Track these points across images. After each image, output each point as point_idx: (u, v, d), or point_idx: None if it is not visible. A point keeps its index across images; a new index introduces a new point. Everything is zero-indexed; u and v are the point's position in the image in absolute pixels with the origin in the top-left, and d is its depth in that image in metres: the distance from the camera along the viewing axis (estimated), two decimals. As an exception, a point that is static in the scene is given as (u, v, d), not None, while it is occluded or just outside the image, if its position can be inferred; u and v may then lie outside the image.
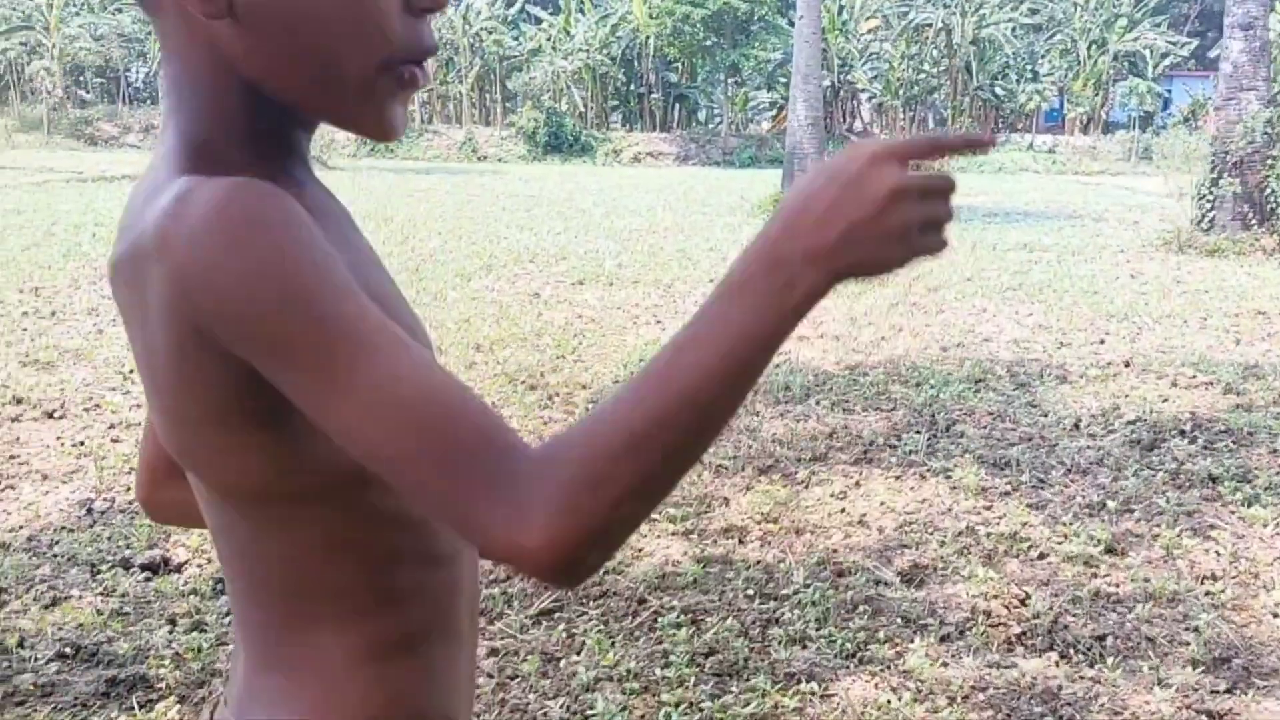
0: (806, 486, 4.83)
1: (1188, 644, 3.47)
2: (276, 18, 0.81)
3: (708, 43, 41.12)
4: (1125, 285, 10.84)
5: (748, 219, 17.12)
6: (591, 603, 3.67)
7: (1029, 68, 43.34)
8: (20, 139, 42.46)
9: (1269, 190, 13.75)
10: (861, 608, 3.61)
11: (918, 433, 5.66)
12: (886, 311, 9.13)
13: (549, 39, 44.29)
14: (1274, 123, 14.11)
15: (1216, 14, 39.22)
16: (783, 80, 40.12)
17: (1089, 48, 42.51)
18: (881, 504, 4.64)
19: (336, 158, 35.02)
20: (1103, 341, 8.14)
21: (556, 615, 3.60)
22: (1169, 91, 44.73)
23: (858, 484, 4.88)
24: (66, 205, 17.37)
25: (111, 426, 5.71)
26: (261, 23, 0.81)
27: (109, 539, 4.25)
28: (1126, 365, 7.37)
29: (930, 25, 41.35)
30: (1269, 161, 13.82)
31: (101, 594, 3.78)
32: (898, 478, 4.99)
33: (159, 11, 0.84)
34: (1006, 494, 4.83)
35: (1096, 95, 42.84)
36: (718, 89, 45.21)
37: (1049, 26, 44.17)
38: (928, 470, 5.09)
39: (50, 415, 5.90)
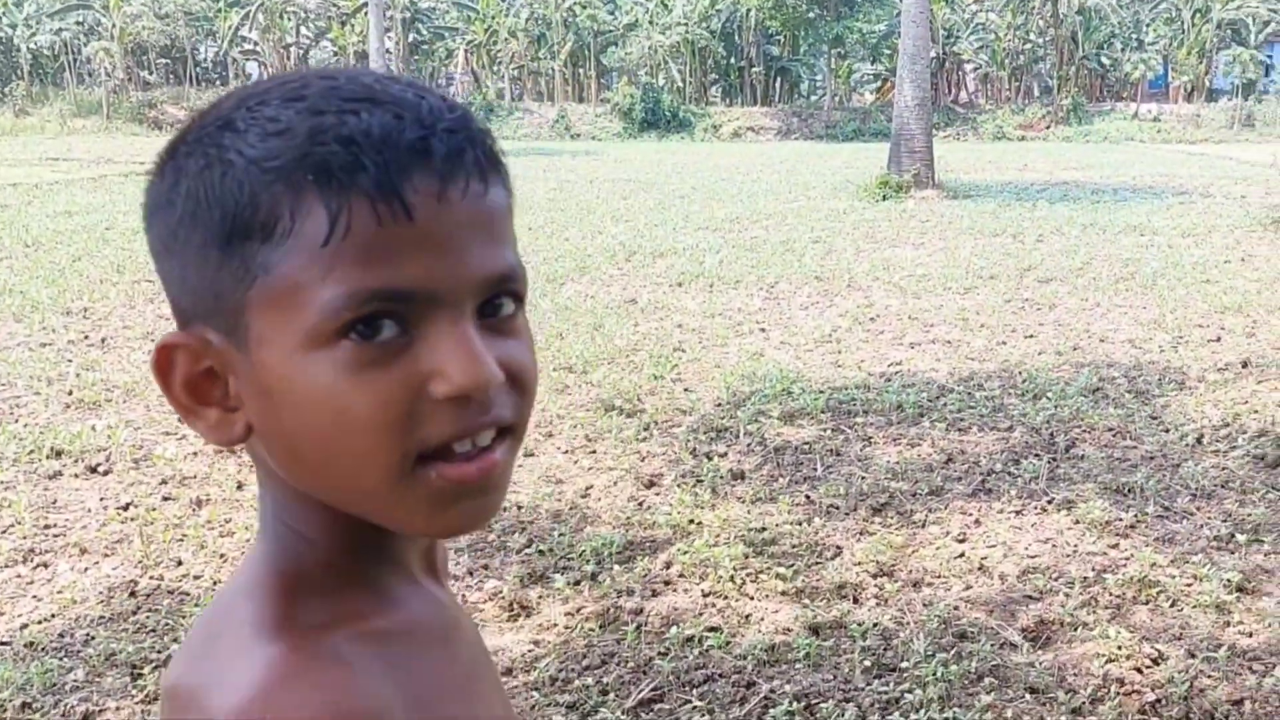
0: (923, 526, 4.48)
1: (1335, 716, 3.10)
2: (282, 435, 0.68)
3: (810, 15, 40.10)
4: (1238, 272, 10.16)
5: (853, 203, 16.53)
6: (694, 690, 3.28)
7: (1134, 36, 41.49)
8: (77, 124, 40.05)
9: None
10: (987, 679, 3.28)
11: (1037, 456, 5.26)
12: (999, 310, 8.66)
13: (646, 13, 43.05)
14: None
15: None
16: (887, 52, 38.99)
17: (1193, 16, 40.43)
18: (1003, 546, 4.28)
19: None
20: (1219, 339, 7.58)
21: (657, 706, 3.22)
22: (1270, 58, 42.45)
23: (977, 522, 4.52)
24: (124, 205, 15.74)
25: (163, 482, 4.93)
26: (275, 442, 0.69)
27: (153, 631, 3.60)
28: (1245, 366, 6.84)
29: (1038, -6, 39.82)
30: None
31: (143, 702, 3.18)
32: (1018, 512, 4.63)
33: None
34: (1132, 527, 4.44)
35: (1200, 63, 40.80)
36: (820, 61, 44.12)
37: (1153, -6, 42.20)
38: (1049, 502, 4.71)
39: (94, 470, 5.09)
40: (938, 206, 15.93)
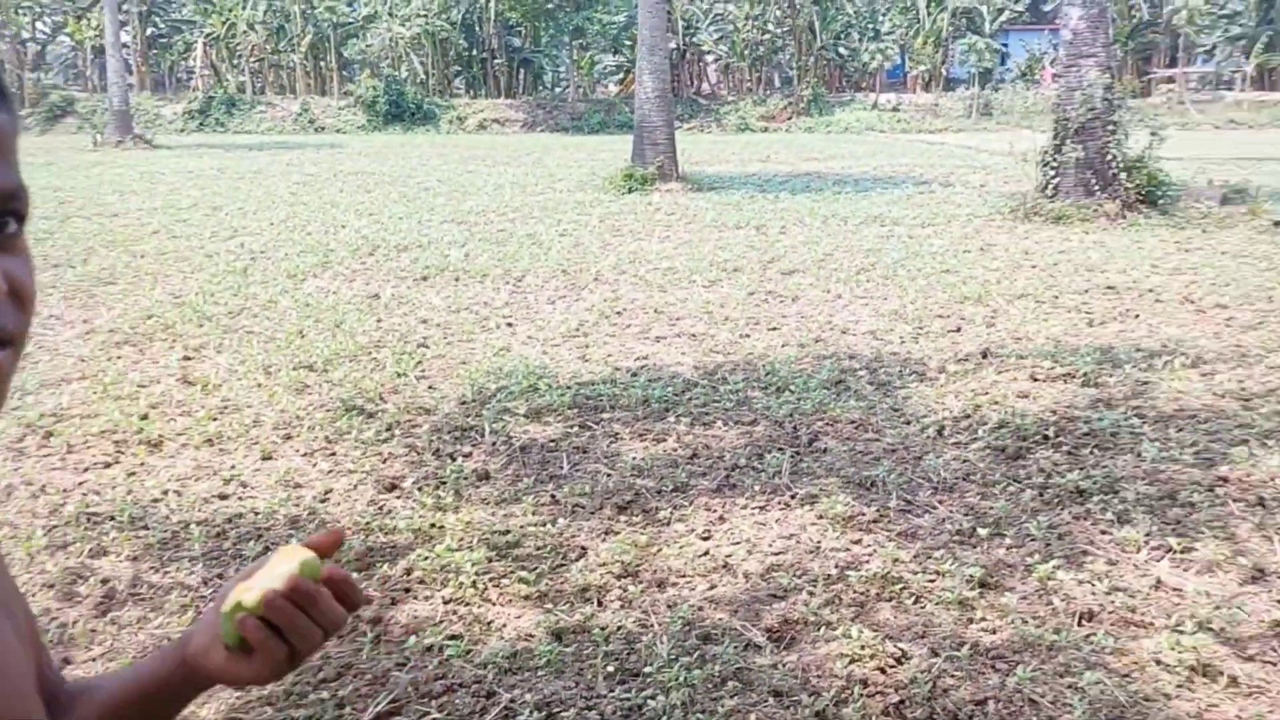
0: (668, 524, 4.54)
1: (1071, 706, 3.29)
2: None
3: (550, 5, 40.48)
4: (977, 261, 10.84)
5: (599, 196, 16.75)
6: (434, 701, 3.27)
7: (871, 26, 43.85)
8: None
9: (1110, 156, 13.98)
10: (731, 683, 3.33)
11: (781, 450, 5.42)
12: (743, 302, 8.91)
13: (385, 4, 43.22)
14: (1113, 89, 14.35)
15: (1050, -28, 40.20)
16: (628, 43, 39.80)
17: (928, 5, 43.15)
18: (748, 543, 4.38)
19: (161, 135, 33.49)
20: (959, 329, 8.05)
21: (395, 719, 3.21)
22: (1005, 46, 45.85)
23: (722, 519, 4.62)
24: None
25: None
26: None
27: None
28: (984, 356, 7.27)
29: (773, -16, 41.42)
30: (1109, 127, 14.05)
31: None
32: (762, 508, 4.74)
33: None
34: (875, 522, 4.62)
35: (937, 53, 43.56)
36: (563, 53, 44.66)
37: (889, -15, 44.81)
38: (793, 497, 4.85)
39: None
40: (683, 199, 16.32)
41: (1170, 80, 44.09)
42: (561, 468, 5.23)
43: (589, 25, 40.40)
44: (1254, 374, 6.85)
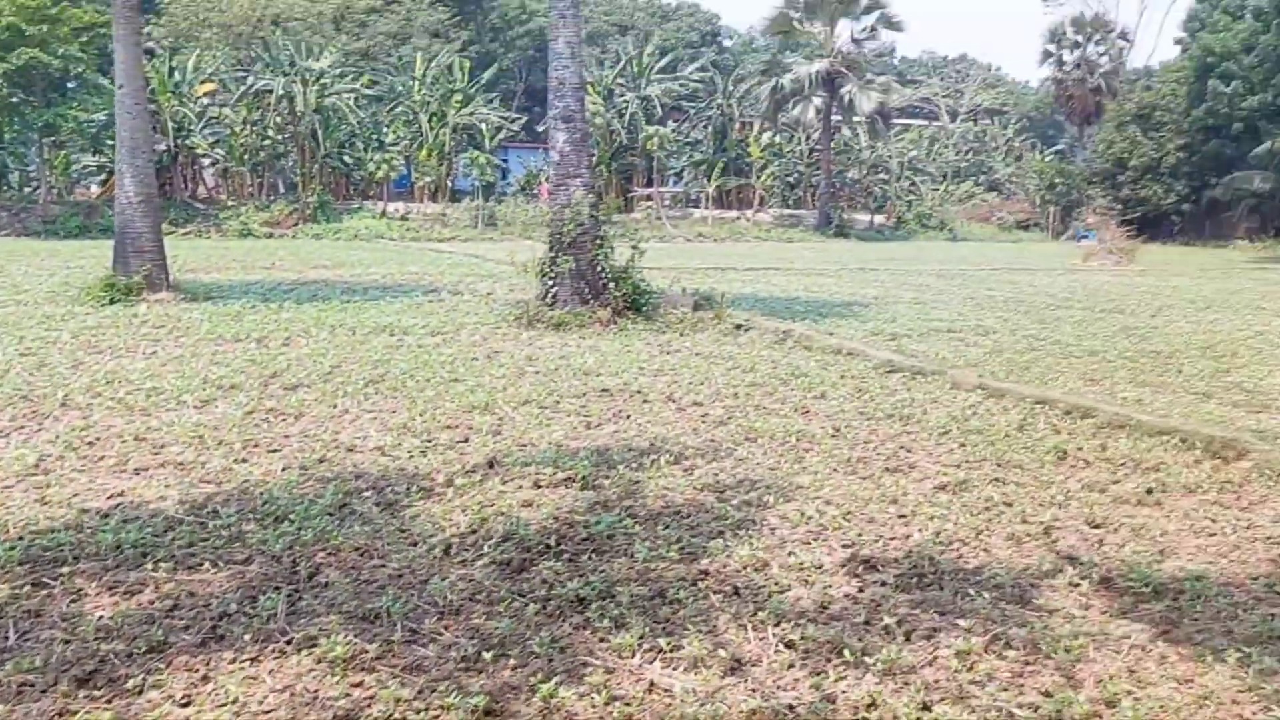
0: (139, 694, 3.97)
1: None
2: None
3: (14, 100, 37.14)
4: (485, 369, 10.90)
5: (73, 309, 15.19)
6: None
7: (375, 137, 44.09)
8: None
9: (600, 267, 14.78)
10: None
11: (277, 589, 4.99)
12: (240, 424, 8.31)
13: None
14: (598, 206, 15.24)
15: (541, 90, 42.39)
16: (110, 143, 37.21)
17: (430, 119, 44.14)
18: (235, 704, 3.92)
19: None
20: (467, 440, 7.96)
21: None
22: (505, 162, 48.00)
23: (205, 678, 4.11)
24: None
25: None
26: None
27: None
28: (491, 466, 7.22)
29: (270, 92, 40.58)
30: (597, 241, 14.87)
31: None
32: (254, 659, 4.30)
33: None
34: (378, 659, 4.33)
35: (441, 165, 44.55)
36: (32, 150, 41.05)
37: (390, 98, 45.38)
38: (289, 643, 4.44)
39: None
40: (174, 310, 15.27)
41: (649, 198, 48.21)
42: (6, 639, 4.46)
43: (62, 122, 37.29)
44: (725, 466, 7.30)
